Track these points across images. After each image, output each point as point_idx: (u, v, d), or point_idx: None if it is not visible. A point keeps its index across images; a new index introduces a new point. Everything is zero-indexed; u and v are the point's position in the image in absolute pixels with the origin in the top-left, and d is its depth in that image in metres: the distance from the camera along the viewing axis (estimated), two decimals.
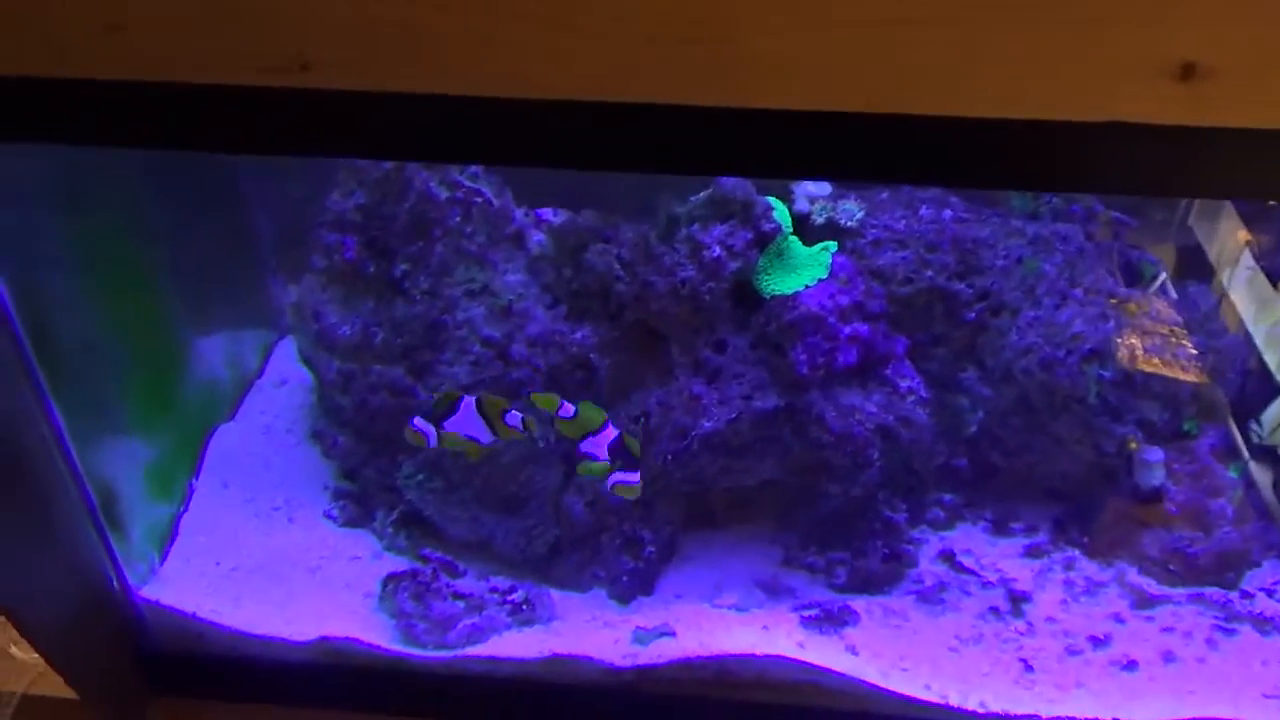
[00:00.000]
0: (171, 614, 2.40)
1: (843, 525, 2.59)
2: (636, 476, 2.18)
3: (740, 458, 2.47)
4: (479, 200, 2.60)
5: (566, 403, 2.18)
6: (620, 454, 2.19)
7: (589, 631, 2.42)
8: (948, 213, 2.65)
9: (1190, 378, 2.55)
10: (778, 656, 2.26)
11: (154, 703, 2.47)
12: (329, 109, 1.48)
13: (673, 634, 2.36)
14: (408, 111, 1.47)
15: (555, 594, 2.54)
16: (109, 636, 2.39)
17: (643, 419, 2.46)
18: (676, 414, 2.44)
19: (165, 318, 2.71)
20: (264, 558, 2.60)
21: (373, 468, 2.72)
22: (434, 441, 2.19)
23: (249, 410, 3.06)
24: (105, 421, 2.40)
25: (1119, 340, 2.53)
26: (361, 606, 2.47)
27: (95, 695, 2.37)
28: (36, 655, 2.30)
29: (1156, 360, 2.55)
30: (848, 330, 2.44)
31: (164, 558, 2.55)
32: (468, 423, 2.19)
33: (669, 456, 2.45)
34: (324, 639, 2.35)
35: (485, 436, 2.20)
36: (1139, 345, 2.56)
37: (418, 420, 2.20)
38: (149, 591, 2.41)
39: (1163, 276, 2.77)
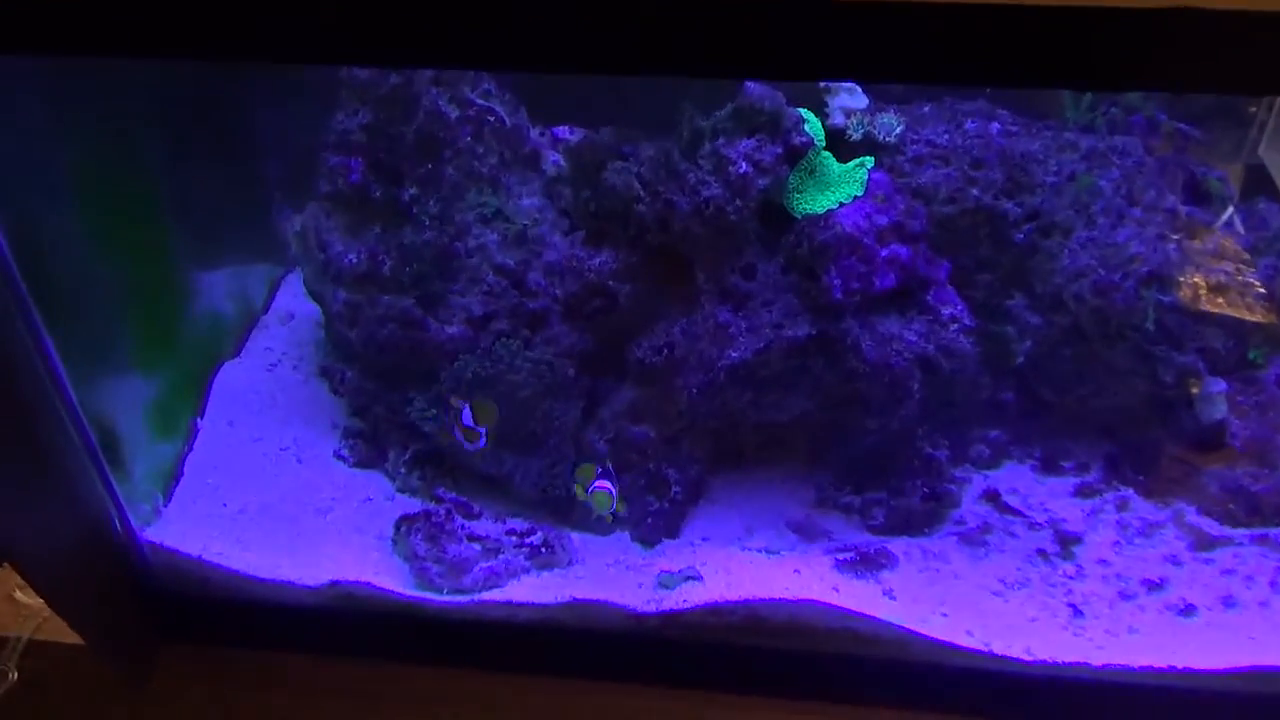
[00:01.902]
0: (176, 556, 2.40)
1: (880, 463, 2.57)
2: (609, 485, 2.34)
3: (770, 391, 2.44)
4: (491, 119, 2.58)
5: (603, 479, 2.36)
6: (606, 473, 2.35)
7: (611, 576, 2.42)
8: (995, 126, 2.59)
9: (1255, 316, 2.48)
10: (810, 600, 2.25)
11: (163, 649, 2.49)
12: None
13: (699, 578, 2.35)
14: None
15: (576, 537, 2.54)
16: (113, 580, 2.40)
17: (666, 350, 2.45)
18: (702, 344, 2.42)
19: (166, 251, 2.70)
20: (272, 499, 2.61)
21: (383, 404, 2.71)
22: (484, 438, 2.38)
23: (254, 347, 3.06)
24: (104, 359, 2.40)
25: (1180, 267, 2.47)
26: (374, 549, 2.47)
27: (101, 640, 2.38)
28: (40, 600, 2.34)
29: (1220, 291, 2.47)
30: (885, 252, 2.40)
31: (169, 499, 2.56)
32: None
33: (695, 390, 2.43)
34: (335, 583, 2.36)
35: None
36: (1201, 273, 2.48)
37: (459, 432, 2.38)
38: (153, 534, 2.42)
39: (1230, 196, 2.67)
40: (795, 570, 2.36)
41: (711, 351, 2.41)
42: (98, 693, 2.42)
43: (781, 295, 2.42)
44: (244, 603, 2.41)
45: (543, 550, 2.43)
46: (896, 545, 2.49)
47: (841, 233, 2.36)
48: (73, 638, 2.34)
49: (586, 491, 2.36)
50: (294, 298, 3.17)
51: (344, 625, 2.41)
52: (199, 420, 2.78)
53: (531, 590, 2.36)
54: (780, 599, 2.26)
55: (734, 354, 2.39)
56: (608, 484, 2.35)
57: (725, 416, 2.50)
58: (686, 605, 2.29)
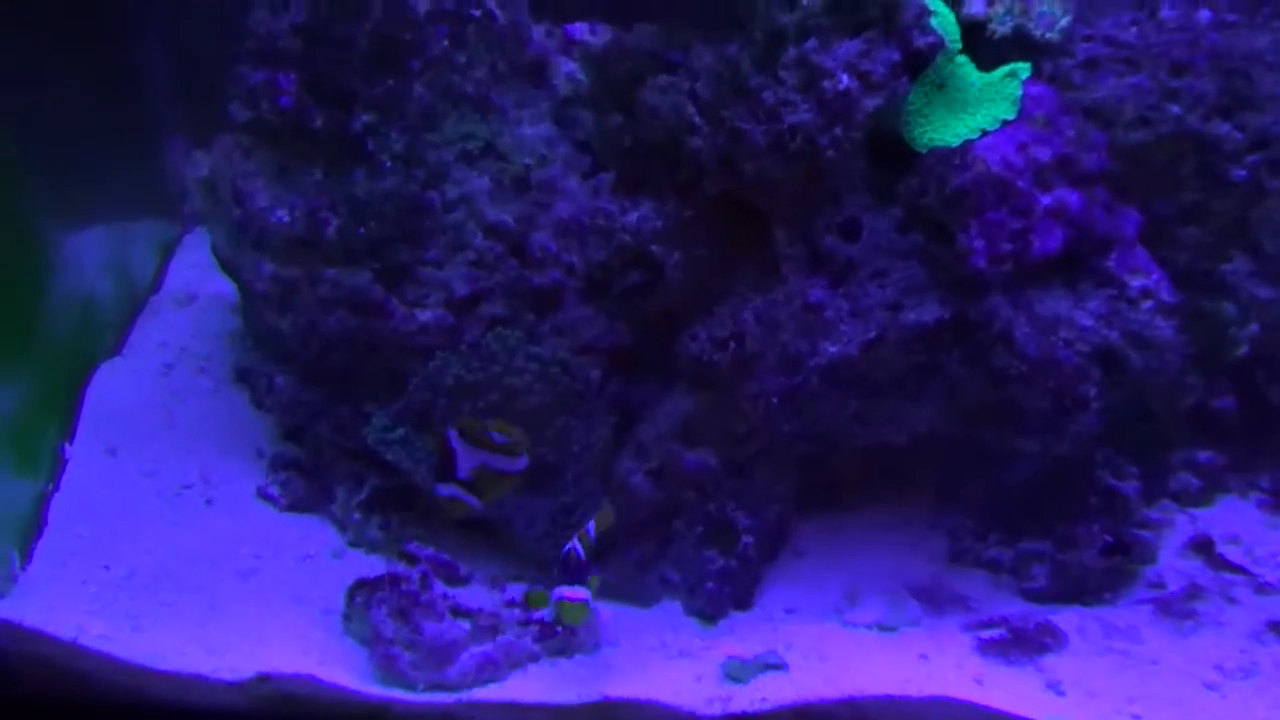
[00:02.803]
0: (41, 641, 2.40)
1: (1041, 501, 2.57)
2: (583, 592, 2.27)
3: (884, 399, 2.44)
4: (477, 13, 2.58)
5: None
6: (570, 566, 2.29)
7: (657, 664, 2.42)
8: (1205, 14, 2.59)
9: None
10: (943, 699, 2.25)
11: None
12: None
13: (783, 667, 2.36)
14: None
15: (606, 608, 2.55)
16: None
17: (733, 343, 2.44)
18: (785, 335, 2.42)
19: (12, 209, 2.71)
20: (173, 559, 2.62)
21: (328, 423, 2.73)
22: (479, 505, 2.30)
23: (142, 340, 3.07)
24: None
25: None
26: (318, 628, 2.49)
27: None
28: None
29: None
30: (1048, 200, 2.39)
31: (28, 559, 2.58)
32: (480, 457, 2.29)
33: (774, 399, 2.42)
34: (264, 677, 2.34)
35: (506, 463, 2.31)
36: None
37: (445, 488, 2.28)
38: (7, 609, 2.43)
39: None
40: (921, 655, 2.37)
41: (798, 344, 2.40)
42: None
43: (899, 263, 2.41)
44: (138, 707, 2.39)
45: (558, 629, 2.44)
46: (1065, 618, 2.48)
47: (985, 173, 2.34)
48: None
49: (547, 603, 2.34)
50: (196, 270, 3.16)
51: None
52: (66, 446, 2.79)
53: (544, 685, 2.36)
54: (900, 697, 2.25)
55: (831, 348, 2.38)
56: (576, 591, 2.28)
57: (818, 437, 2.49)
58: (765, 707, 2.28)
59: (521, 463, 2.30)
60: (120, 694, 2.41)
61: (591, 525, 2.33)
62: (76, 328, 2.93)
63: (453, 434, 2.25)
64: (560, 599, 2.25)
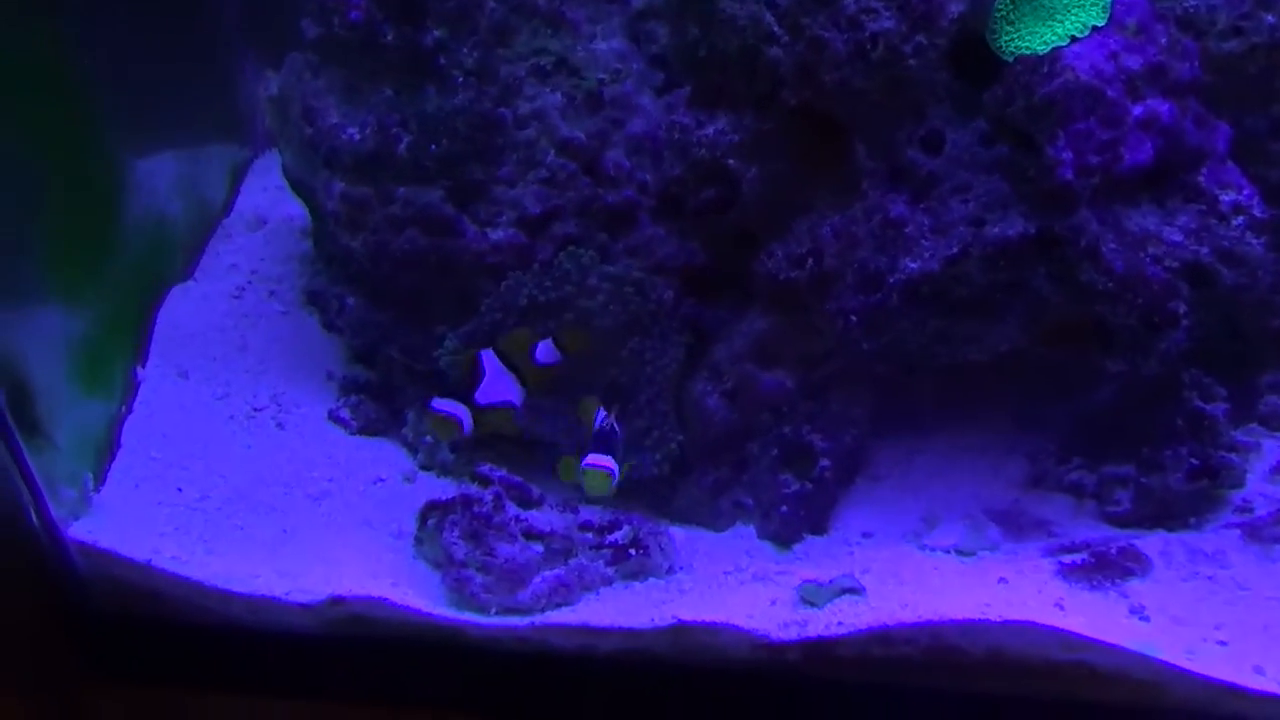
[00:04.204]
0: (116, 562, 2.41)
1: (1126, 423, 2.54)
2: (609, 462, 2.29)
3: (966, 318, 2.41)
4: None
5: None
6: (600, 437, 2.31)
7: (731, 588, 2.42)
8: None
9: None
10: (1025, 623, 2.22)
11: (99, 693, 2.51)
12: None
13: (860, 591, 2.33)
14: None
15: (679, 532, 2.55)
16: (26, 594, 2.42)
17: (810, 261, 2.43)
18: (864, 251, 2.40)
19: (86, 132, 2.71)
20: (245, 481, 2.63)
21: (399, 344, 2.73)
22: (470, 428, 2.26)
23: (213, 265, 3.08)
24: (7, 284, 2.42)
25: None
26: (390, 551, 2.49)
27: (14, 678, 2.42)
28: None
29: None
30: (1139, 111, 2.34)
31: (102, 481, 2.58)
32: (501, 385, 2.28)
33: (852, 319, 2.40)
34: (336, 599, 2.36)
35: (516, 395, 2.30)
36: None
37: (440, 402, 2.25)
38: (82, 530, 2.44)
39: None
40: (1001, 579, 2.35)
41: (878, 261, 2.38)
42: None
43: (983, 177, 2.37)
44: (210, 628, 2.42)
45: (632, 552, 2.44)
46: (1150, 543, 2.45)
47: (1074, 81, 2.30)
48: None
49: (574, 475, 2.33)
50: (269, 193, 3.17)
51: (349, 660, 2.42)
52: (139, 369, 2.80)
53: (618, 609, 2.36)
54: (979, 620, 2.22)
55: (912, 264, 2.35)
56: (602, 460, 2.31)
57: (897, 357, 2.47)
58: (841, 631, 2.26)
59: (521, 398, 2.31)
60: (193, 616, 2.42)
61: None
62: (148, 250, 2.92)
63: (487, 356, 2.25)
64: (587, 467, 2.28)
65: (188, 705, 2.49)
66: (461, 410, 2.23)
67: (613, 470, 2.29)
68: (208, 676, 2.49)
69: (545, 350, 2.27)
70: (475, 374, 2.25)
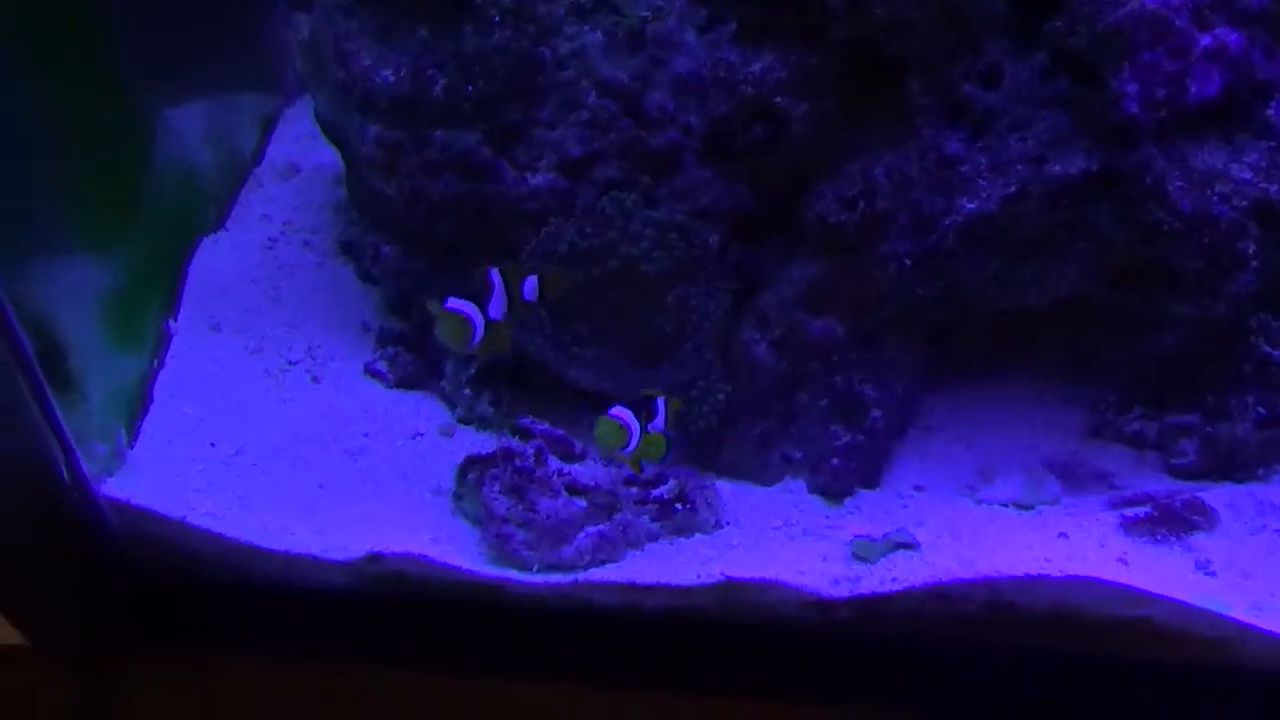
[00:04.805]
0: (150, 519, 2.40)
1: (1191, 370, 2.52)
2: (627, 415, 2.21)
3: (1025, 260, 2.39)
4: None
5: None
6: (641, 403, 2.25)
7: (781, 543, 2.41)
8: None
9: None
10: (1086, 578, 2.19)
11: (136, 653, 2.50)
12: None
13: (915, 545, 2.33)
14: None
15: (726, 486, 2.54)
16: (59, 553, 2.41)
17: (863, 202, 2.40)
18: (918, 191, 2.37)
19: (115, 80, 2.70)
20: (280, 437, 2.63)
21: (437, 294, 2.63)
22: (479, 336, 2.16)
23: (245, 214, 3.08)
24: (37, 237, 2.41)
25: None
26: (429, 507, 2.49)
27: (49, 639, 2.42)
28: None
29: None
30: (1207, 41, 2.29)
31: (135, 437, 2.58)
32: (503, 303, 2.22)
33: (906, 262, 2.38)
34: (375, 556, 2.35)
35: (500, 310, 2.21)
36: None
37: (455, 302, 2.17)
38: (116, 487, 2.43)
39: None
40: (1061, 534, 2.33)
41: (933, 202, 2.35)
42: (46, 713, 2.45)
43: (1043, 112, 2.33)
44: (246, 586, 2.42)
45: (678, 507, 2.42)
46: (1216, 495, 2.43)
47: (1140, 10, 2.24)
48: (9, 636, 2.35)
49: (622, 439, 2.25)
50: (300, 141, 3.17)
51: (388, 618, 2.42)
52: (171, 323, 2.80)
53: (663, 566, 2.34)
54: (1039, 576, 2.20)
55: (969, 204, 2.32)
56: (621, 412, 2.24)
57: (953, 301, 2.46)
58: (895, 587, 2.25)
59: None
60: (229, 572, 2.42)
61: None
62: (179, 200, 2.92)
63: (495, 273, 2.19)
64: (603, 417, 2.22)
65: (225, 665, 2.48)
66: (476, 315, 2.15)
67: (630, 426, 2.22)
68: (244, 636, 2.49)
69: (530, 288, 2.21)
70: (485, 289, 2.20)
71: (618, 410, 2.22)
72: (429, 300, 2.21)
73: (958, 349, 2.63)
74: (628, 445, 2.22)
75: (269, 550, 2.38)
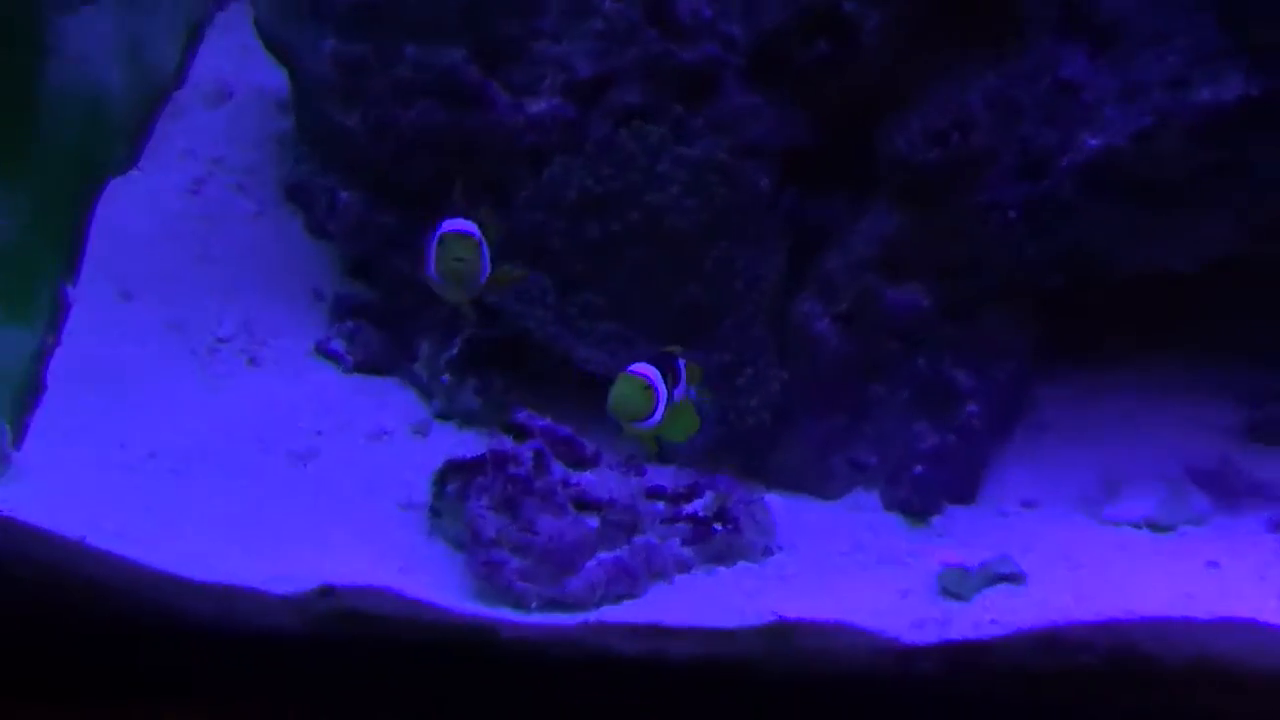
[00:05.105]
0: (40, 540, 2.39)
1: None
2: (655, 376, 2.20)
3: (1163, 212, 2.39)
4: None
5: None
6: (662, 358, 2.24)
7: (848, 575, 2.39)
8: None
9: None
10: (1242, 621, 2.17)
11: (17, 710, 2.51)
12: None
13: (1021, 577, 2.32)
14: None
15: (778, 500, 2.54)
16: None
17: (955, 136, 2.40)
18: (1028, 124, 2.39)
19: None
20: (208, 435, 2.64)
21: (408, 253, 2.66)
22: (489, 268, 2.20)
23: (163, 149, 3.10)
24: None
25: None
26: (397, 526, 2.50)
27: None
28: None
29: None
30: None
31: (22, 434, 2.59)
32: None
33: (1010, 214, 2.39)
34: (328, 589, 2.31)
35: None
36: None
37: (455, 222, 2.20)
38: None
39: None
40: (1209, 562, 2.32)
41: (1046, 137, 2.36)
42: None
43: (1185, 22, 2.33)
44: (165, 627, 2.40)
45: (717, 527, 2.42)
46: None
47: None
48: None
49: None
50: (234, 56, 3.19)
51: (344, 668, 2.37)
52: (69, 288, 2.82)
53: (698, 603, 2.35)
54: (1180, 619, 2.19)
55: (1091, 141, 2.33)
56: (647, 369, 2.22)
57: (1070, 264, 2.46)
58: (995, 632, 2.24)
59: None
60: (140, 609, 2.40)
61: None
62: (80, 133, 2.93)
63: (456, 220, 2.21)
64: (630, 371, 2.21)
65: None
66: (660, 384, 2.20)
67: (655, 384, 2.21)
68: (162, 687, 2.44)
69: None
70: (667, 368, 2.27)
71: (641, 367, 2.21)
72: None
73: (1077, 325, 2.64)
74: (652, 416, 2.21)
75: (193, 582, 2.34)
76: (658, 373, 2.20)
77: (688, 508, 2.42)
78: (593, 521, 2.38)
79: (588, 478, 2.43)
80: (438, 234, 2.18)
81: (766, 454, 2.58)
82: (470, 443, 2.58)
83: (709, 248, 2.47)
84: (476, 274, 2.17)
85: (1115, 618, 2.18)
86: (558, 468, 2.42)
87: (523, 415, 2.50)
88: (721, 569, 2.42)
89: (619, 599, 2.36)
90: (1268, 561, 2.33)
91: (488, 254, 2.17)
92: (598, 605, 2.35)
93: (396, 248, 2.75)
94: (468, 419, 2.69)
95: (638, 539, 2.39)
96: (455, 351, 2.70)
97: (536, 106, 2.53)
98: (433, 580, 2.38)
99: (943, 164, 2.40)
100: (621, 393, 2.19)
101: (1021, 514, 2.53)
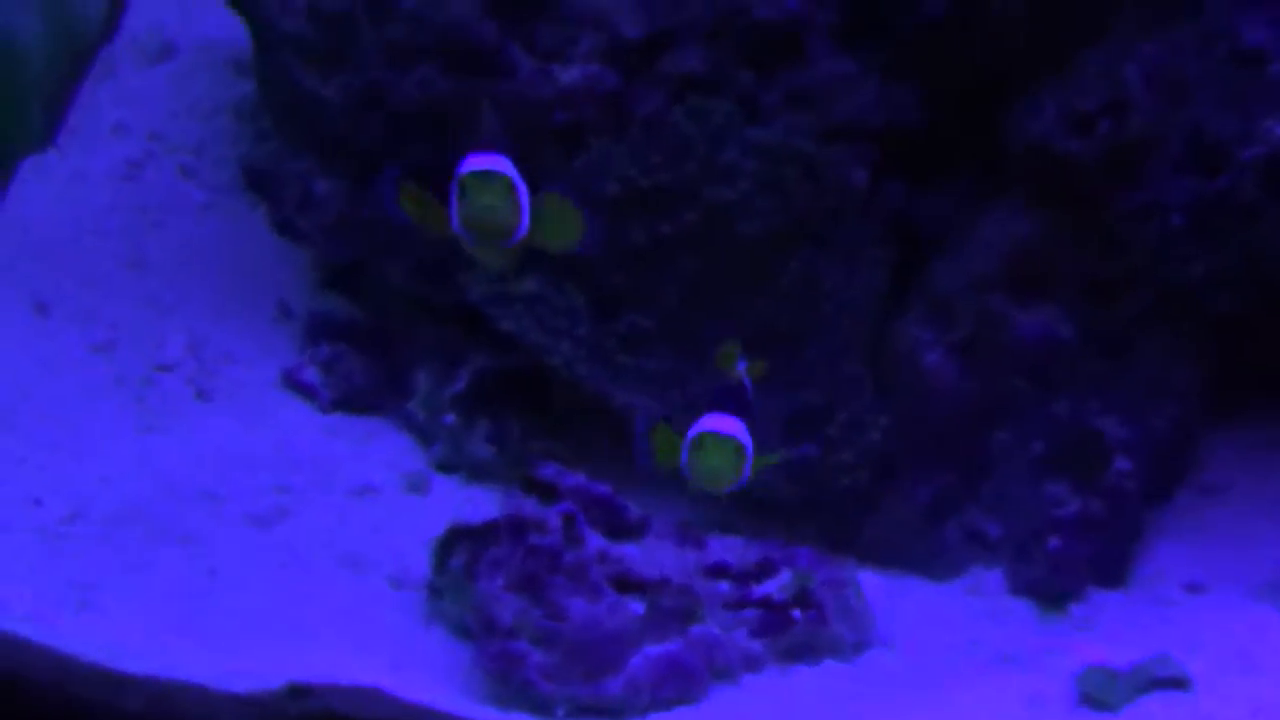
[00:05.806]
0: None
1: None
2: (741, 429, 2.12)
3: None
4: None
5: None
6: (728, 394, 2.18)
7: (964, 677, 2.43)
8: None
9: None
10: None
11: None
12: None
13: (1186, 681, 2.33)
14: None
15: (875, 579, 2.57)
16: None
17: (1108, 117, 2.42)
18: (1199, 103, 2.41)
19: None
20: (145, 489, 2.67)
21: (402, 261, 2.75)
22: (527, 225, 2.15)
23: (89, 121, 3.14)
24: None
25: None
26: (388, 608, 2.54)
27: None
28: None
29: None
30: None
31: None
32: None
33: (1175, 218, 2.41)
34: (300, 688, 2.34)
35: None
36: None
37: (480, 158, 2.13)
38: None
39: None
40: None
41: (1222, 122, 2.38)
42: None
43: None
44: None
45: (796, 614, 2.45)
46: None
47: None
48: None
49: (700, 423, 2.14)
50: (176, 3, 3.24)
51: None
52: None
53: (772, 711, 2.37)
54: None
55: (1278, 128, 2.35)
56: (729, 422, 2.14)
57: (1250, 281, 2.47)
58: None
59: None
60: (65, 708, 2.42)
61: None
62: None
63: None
64: (698, 432, 2.11)
65: None
66: (744, 435, 2.14)
67: (744, 440, 2.13)
68: None
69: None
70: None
71: (725, 423, 2.12)
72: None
73: (1257, 359, 2.66)
74: (743, 476, 2.13)
75: (129, 676, 2.36)
76: (743, 425, 2.12)
77: (759, 589, 2.45)
78: (638, 606, 2.40)
79: (632, 550, 2.46)
80: (458, 174, 2.14)
81: (860, 518, 2.61)
82: (480, 502, 2.61)
83: (787, 259, 2.48)
84: (514, 222, 2.12)
85: None
86: (594, 537, 2.45)
87: (549, 470, 2.52)
88: (802, 668, 2.44)
89: (671, 705, 2.38)
90: None
91: (526, 195, 2.12)
92: (643, 713, 2.37)
93: (387, 253, 2.77)
94: (477, 472, 2.71)
95: (695, 629, 2.40)
96: (462, 385, 2.71)
97: (569, 75, 2.54)
98: (432, 677, 2.41)
99: (1090, 155, 2.41)
100: (711, 466, 2.10)
101: (1186, 600, 2.54)
